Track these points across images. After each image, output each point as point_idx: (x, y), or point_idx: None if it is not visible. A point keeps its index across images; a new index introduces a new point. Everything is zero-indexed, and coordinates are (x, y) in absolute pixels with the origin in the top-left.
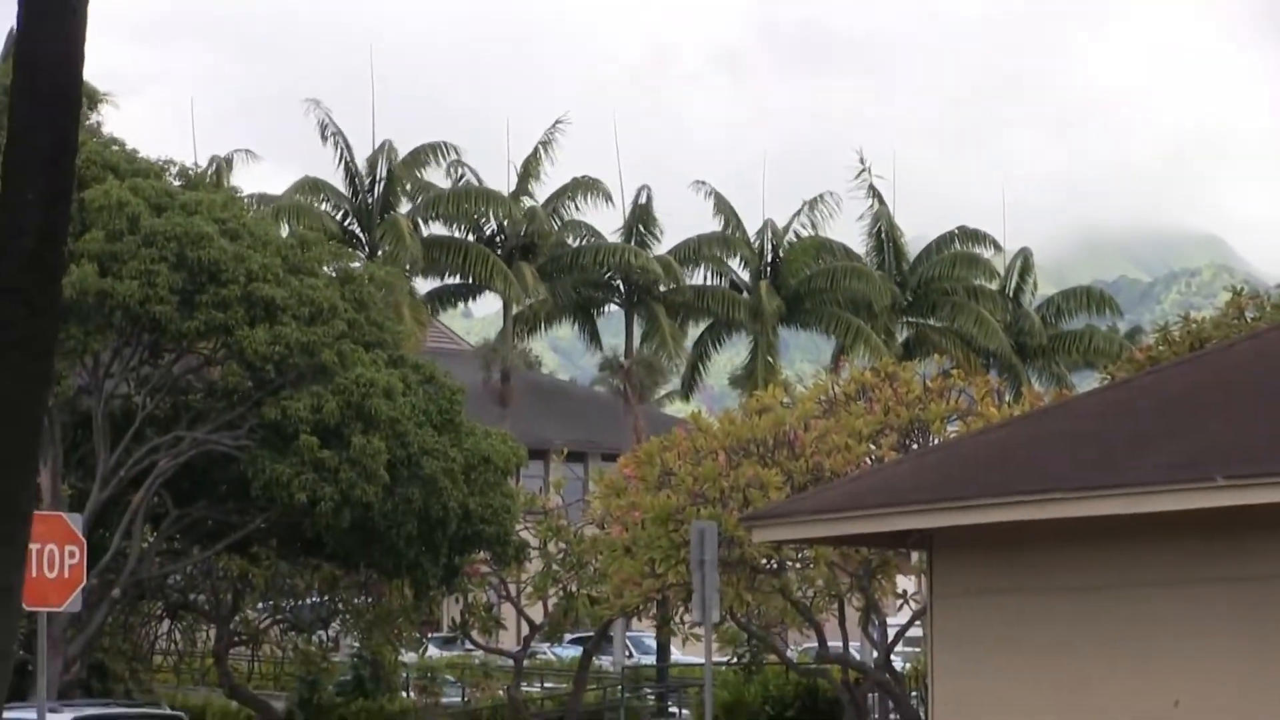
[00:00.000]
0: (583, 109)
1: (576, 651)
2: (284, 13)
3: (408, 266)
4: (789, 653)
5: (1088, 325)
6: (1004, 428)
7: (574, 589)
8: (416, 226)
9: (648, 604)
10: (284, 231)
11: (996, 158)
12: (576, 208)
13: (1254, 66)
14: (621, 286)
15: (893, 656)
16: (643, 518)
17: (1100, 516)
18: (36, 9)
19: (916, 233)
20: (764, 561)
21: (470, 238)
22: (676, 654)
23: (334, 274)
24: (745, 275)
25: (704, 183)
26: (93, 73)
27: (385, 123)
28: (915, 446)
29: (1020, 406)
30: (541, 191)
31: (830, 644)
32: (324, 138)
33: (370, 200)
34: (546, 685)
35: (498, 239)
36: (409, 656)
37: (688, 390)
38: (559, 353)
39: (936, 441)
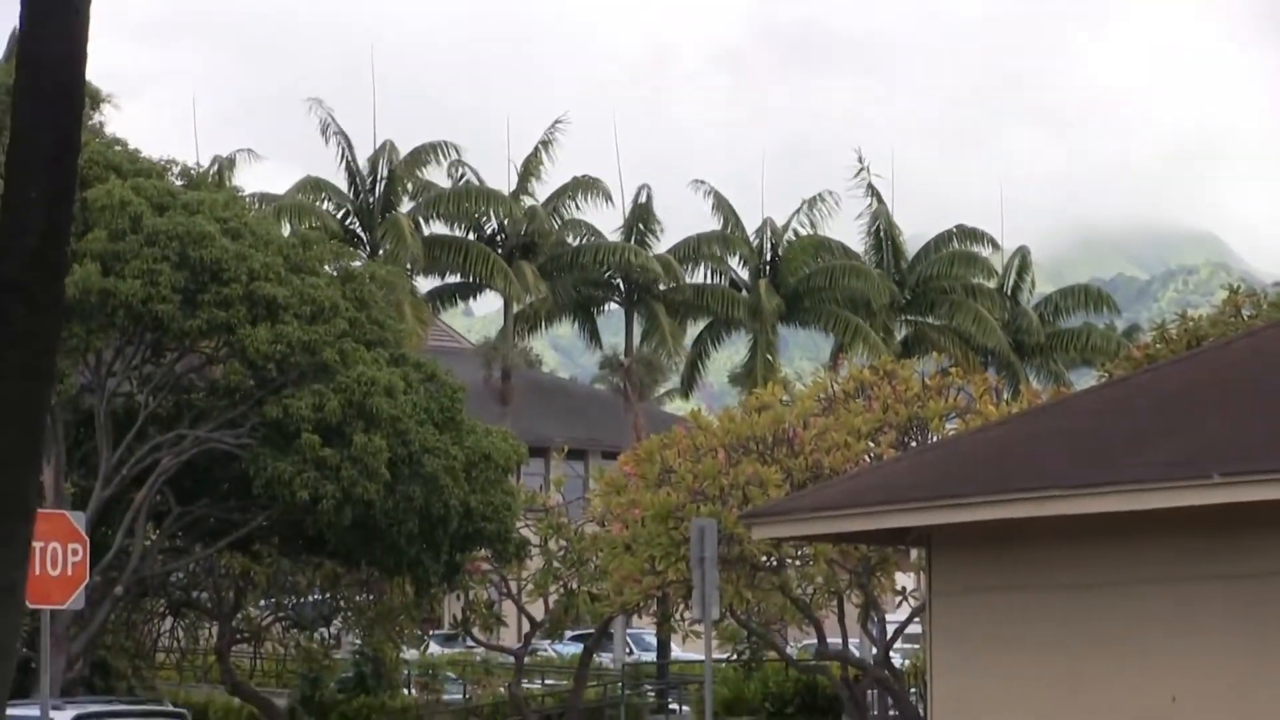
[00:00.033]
0: (583, 109)
1: (577, 648)
2: (284, 13)
3: (409, 265)
4: (788, 650)
5: (1085, 323)
6: (1002, 425)
7: (575, 586)
8: (417, 226)
9: (648, 601)
10: (285, 231)
11: (995, 157)
12: (577, 207)
13: (1253, 67)
14: (621, 285)
15: (892, 653)
16: (643, 515)
17: (1098, 514)
18: (39, 9)
19: (915, 231)
20: (764, 559)
21: (471, 237)
22: (677, 651)
23: (335, 273)
24: (745, 274)
25: (703, 182)
26: (95, 73)
27: (386, 122)
28: (914, 444)
29: (1018, 404)
30: (542, 191)
31: (830, 641)
32: (325, 137)
33: (371, 200)
34: (547, 682)
35: (498, 238)
36: (410, 653)
37: (687, 388)
38: (559, 351)
39: (935, 439)
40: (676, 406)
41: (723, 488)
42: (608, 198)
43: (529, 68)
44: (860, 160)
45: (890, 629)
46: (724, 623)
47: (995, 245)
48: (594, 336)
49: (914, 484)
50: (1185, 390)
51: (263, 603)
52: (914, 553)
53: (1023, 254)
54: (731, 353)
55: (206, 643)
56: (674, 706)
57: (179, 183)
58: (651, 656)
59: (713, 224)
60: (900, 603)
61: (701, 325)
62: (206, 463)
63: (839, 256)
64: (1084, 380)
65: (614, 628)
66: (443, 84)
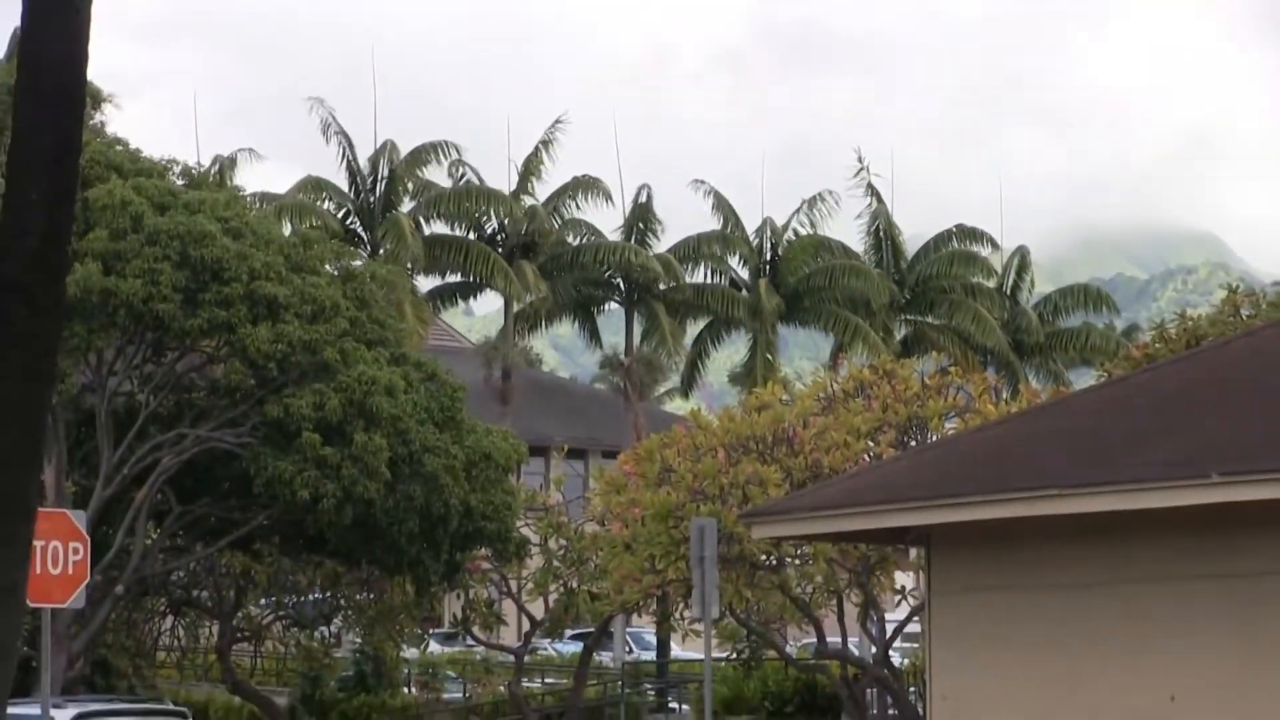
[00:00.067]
0: (583, 108)
1: (577, 647)
2: (285, 12)
3: (409, 265)
4: (788, 648)
5: (1085, 323)
6: (1001, 425)
7: (574, 585)
8: (418, 225)
9: (648, 600)
10: (286, 230)
11: (995, 157)
12: (577, 206)
13: (1253, 66)
14: (621, 284)
15: (891, 652)
16: (643, 514)
17: (1097, 513)
18: (40, 9)
19: (914, 231)
20: (763, 558)
21: (471, 236)
22: (676, 650)
23: (336, 272)
24: (744, 273)
25: (703, 181)
26: (96, 73)
27: (386, 122)
28: (913, 443)
29: (1017, 404)
30: (542, 190)
31: (829, 640)
32: (326, 137)
33: (372, 199)
34: (547, 681)
35: (499, 237)
36: (411, 652)
37: (687, 388)
38: (559, 350)
39: (934, 438)
40: (676, 406)
41: (722, 487)
42: (608, 197)
43: (529, 67)
44: (860, 160)
45: (889, 628)
46: (723, 621)
47: (995, 245)
48: (594, 336)
49: (913, 483)
50: (1184, 390)
51: (263, 601)
52: (913, 552)
53: (1022, 254)
54: (731, 352)
55: (207, 641)
56: (674, 705)
57: (180, 182)
58: (651, 655)
59: (713, 224)
60: (899, 602)
61: (701, 325)
62: (207, 462)
63: (839, 256)
64: (1083, 380)
65: (614, 626)
66: (443, 83)
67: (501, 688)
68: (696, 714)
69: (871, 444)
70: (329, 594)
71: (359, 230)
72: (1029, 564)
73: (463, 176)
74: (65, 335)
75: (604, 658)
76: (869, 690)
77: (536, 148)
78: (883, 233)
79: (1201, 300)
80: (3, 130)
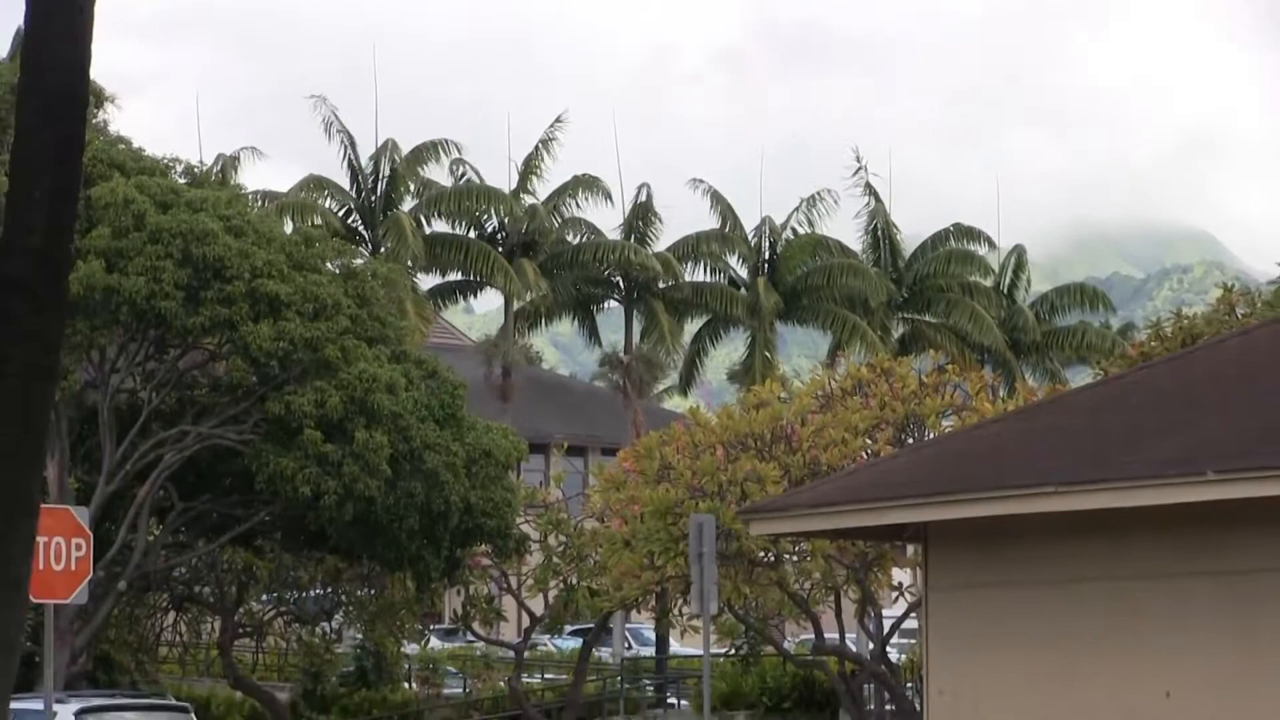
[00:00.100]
0: (583, 107)
1: (576, 643)
2: (286, 11)
3: (410, 263)
4: (786, 644)
5: (1081, 321)
6: (998, 423)
7: (574, 581)
8: (419, 224)
9: (647, 596)
10: (288, 228)
11: (993, 156)
12: (577, 205)
13: (1252, 66)
14: (621, 283)
15: (888, 648)
16: (642, 511)
17: (1092, 510)
18: (43, 8)
19: (912, 230)
20: (761, 554)
21: (472, 234)
22: (675, 645)
23: (337, 270)
24: (743, 272)
25: (701, 180)
26: (98, 71)
27: (387, 120)
28: (910, 441)
29: (1014, 402)
30: (542, 189)
31: (827, 635)
32: (329, 135)
33: (373, 198)
34: (547, 676)
35: (499, 236)
36: (411, 648)
37: (686, 385)
38: (559, 348)
39: (931, 436)
40: (675, 403)
41: (721, 484)
42: (608, 196)
43: (529, 66)
44: (858, 159)
45: (887, 624)
46: (722, 618)
47: (992, 244)
48: (594, 334)
49: (910, 480)
50: (1180, 388)
51: (265, 597)
52: (910, 548)
53: (1019, 252)
54: (730, 350)
55: (209, 637)
56: (672, 701)
57: (182, 181)
58: (650, 651)
59: (711, 222)
60: (897, 598)
61: (700, 323)
62: (209, 459)
63: (837, 255)
64: (1079, 378)
65: (613, 623)
66: (443, 82)
67: (501, 683)
68: (695, 709)
69: (869, 441)
70: (330, 590)
71: (360, 229)
72: (1025, 560)
73: (463, 175)
74: (68, 333)
75: (603, 653)
76: (866, 686)
77: (536, 146)
78: (881, 232)
79: (1197, 299)
80: (6, 128)
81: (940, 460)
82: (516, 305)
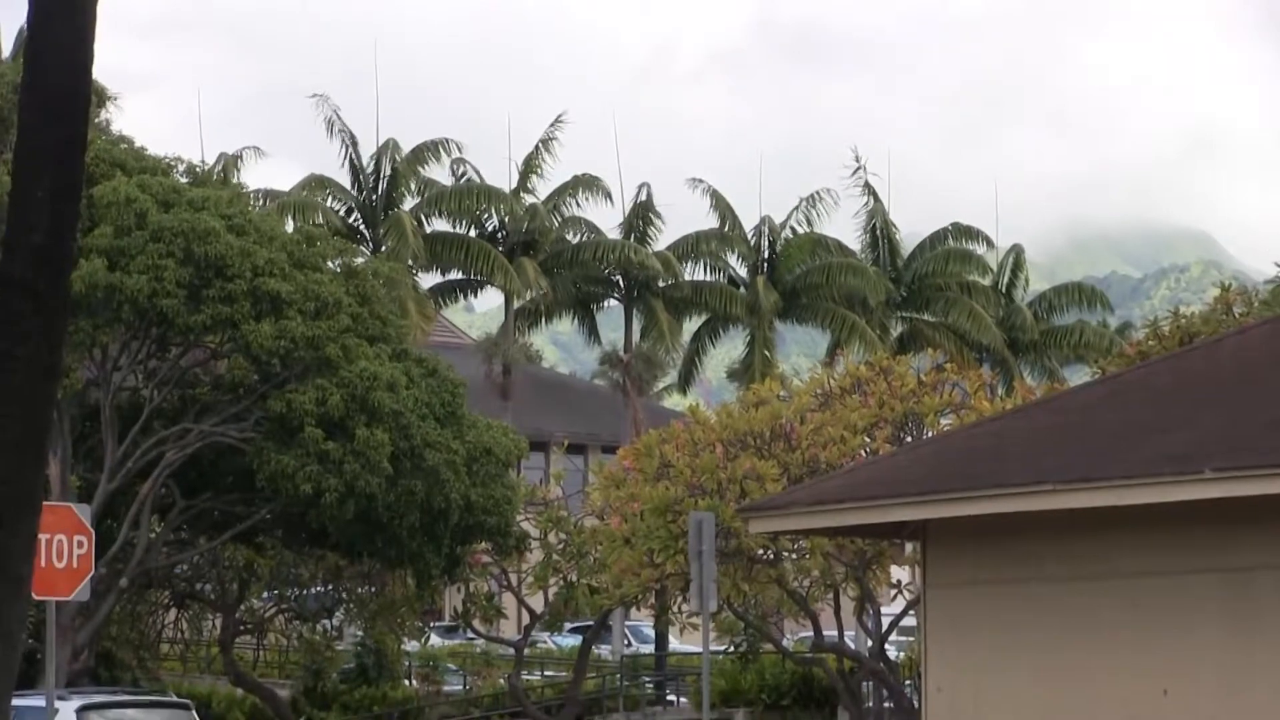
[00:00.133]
0: (583, 107)
1: (576, 640)
2: (287, 10)
3: (411, 262)
4: (785, 642)
5: (1079, 320)
6: (996, 421)
7: (574, 579)
8: (420, 223)
9: (646, 593)
10: (289, 227)
11: (991, 155)
12: (577, 204)
13: (1251, 66)
14: (621, 282)
15: (887, 645)
16: (641, 509)
17: (1091, 508)
18: (46, 7)
19: (911, 229)
20: (760, 552)
21: (472, 233)
22: (674, 643)
23: (338, 269)
24: (743, 271)
25: (700, 180)
26: (100, 71)
27: (388, 119)
28: (909, 439)
29: (1012, 400)
30: (542, 188)
31: (826, 633)
32: (331, 134)
33: (374, 197)
34: (547, 673)
35: (499, 235)
36: (412, 645)
37: (685, 384)
38: (559, 347)
39: (930, 434)
40: (675, 402)
41: (720, 482)
42: (608, 196)
43: (529, 66)
44: (857, 159)
45: (885, 621)
46: (721, 615)
47: (990, 243)
48: (593, 332)
49: (909, 478)
50: (1177, 387)
51: (266, 595)
52: (909, 546)
53: (1017, 252)
54: (729, 349)
55: (210, 634)
56: (672, 698)
57: (184, 180)
58: (650, 648)
59: (711, 221)
60: (895, 595)
61: (699, 321)
62: (211, 456)
63: (836, 254)
64: (1077, 376)
65: (613, 620)
66: (444, 82)
67: (501, 680)
68: (695, 706)
69: (868, 440)
70: (331, 587)
71: (361, 227)
72: (1024, 558)
73: (464, 174)
74: (70, 331)
75: (603, 651)
76: (865, 683)
77: (537, 146)
78: (879, 231)
79: (1194, 298)
80: (9, 127)
81: (938, 458)
82: (517, 304)
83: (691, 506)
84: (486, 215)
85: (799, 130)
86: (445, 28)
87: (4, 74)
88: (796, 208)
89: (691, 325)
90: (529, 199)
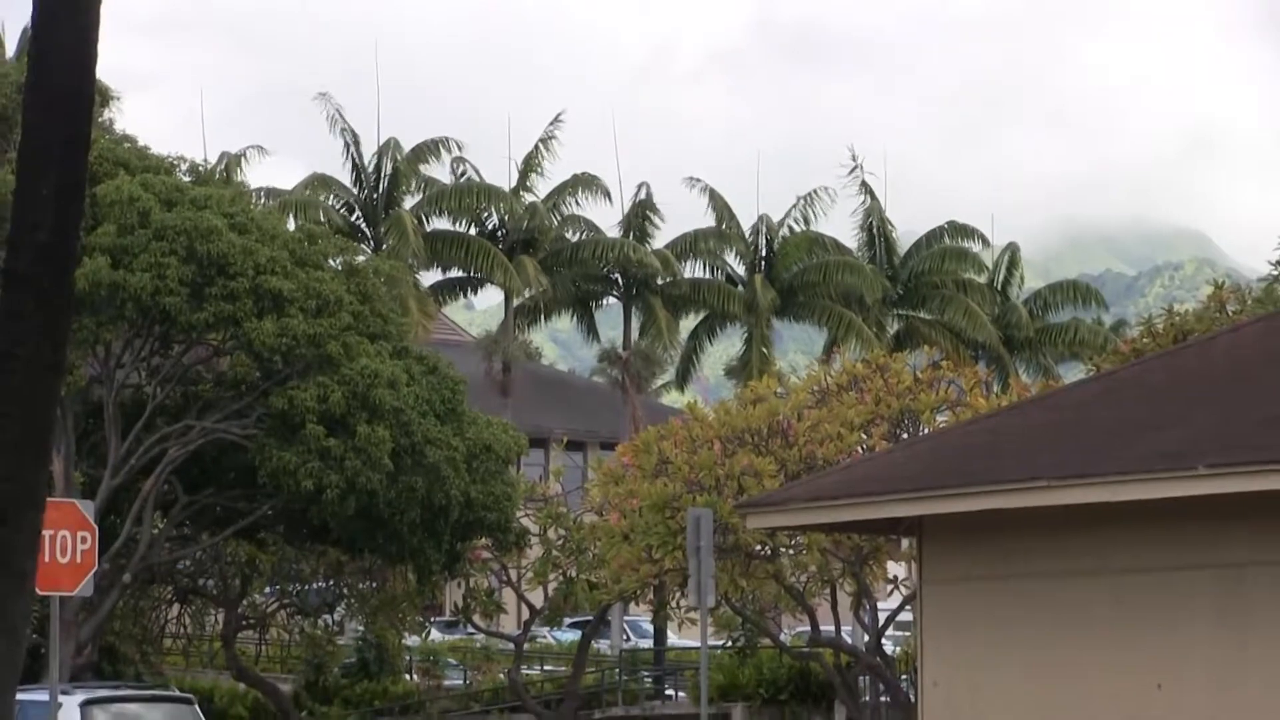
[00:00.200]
0: (583, 106)
1: (575, 635)
2: (287, 11)
3: (411, 260)
4: (782, 636)
5: (1073, 318)
6: (992, 418)
7: (573, 574)
8: (420, 221)
9: (645, 589)
10: (291, 226)
11: (988, 155)
12: (577, 203)
13: (1249, 65)
14: (619, 280)
15: (883, 640)
16: (640, 505)
17: (1085, 505)
18: (50, 8)
19: (907, 228)
20: (758, 548)
21: (473, 232)
22: (673, 638)
23: (340, 267)
24: (740, 269)
25: (698, 179)
26: (104, 69)
27: (388, 118)
28: (905, 436)
29: (1008, 397)
30: (542, 187)
31: (822, 628)
32: (333, 132)
33: (375, 196)
34: (546, 668)
35: (499, 233)
36: (412, 640)
37: (683, 381)
38: (559, 344)
39: (926, 431)
40: (673, 399)
41: (718, 478)
42: (607, 194)
43: (529, 66)
44: (854, 158)
45: (882, 617)
46: (719, 610)
47: (985, 241)
48: (592, 330)
49: (906, 475)
50: (1171, 384)
51: (268, 590)
52: (905, 542)
53: (1012, 250)
54: (727, 346)
55: (213, 629)
56: (670, 692)
57: (186, 178)
58: (648, 643)
59: (709, 220)
60: (892, 591)
61: (697, 319)
62: (213, 453)
63: (833, 252)
64: (1072, 374)
65: (611, 615)
66: (444, 82)
67: (501, 675)
68: (693, 701)
69: (864, 436)
70: (332, 582)
71: (362, 226)
72: (1019, 554)
73: (464, 173)
74: (74, 328)
75: (602, 645)
76: (862, 678)
77: (536, 145)
78: (876, 229)
79: (1188, 296)
80: (14, 126)
81: (935, 455)
82: (516, 302)
83: (690, 503)
84: (486, 214)
85: (797, 130)
86: (445, 28)
87: (8, 74)
88: (794, 206)
89: (689, 323)
90: (529, 198)
